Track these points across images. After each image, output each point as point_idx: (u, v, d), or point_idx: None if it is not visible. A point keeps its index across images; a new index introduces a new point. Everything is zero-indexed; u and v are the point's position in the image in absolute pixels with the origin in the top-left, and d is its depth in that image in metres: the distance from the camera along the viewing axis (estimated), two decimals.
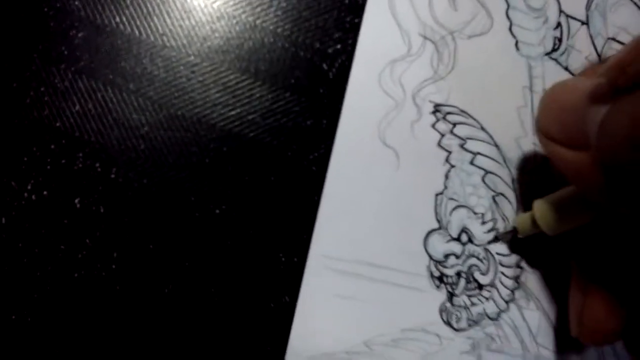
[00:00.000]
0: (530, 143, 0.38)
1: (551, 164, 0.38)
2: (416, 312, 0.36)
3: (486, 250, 0.37)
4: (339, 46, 0.37)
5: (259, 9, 0.36)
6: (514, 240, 0.37)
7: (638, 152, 0.23)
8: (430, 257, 0.37)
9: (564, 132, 0.28)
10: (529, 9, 0.39)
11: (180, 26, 0.36)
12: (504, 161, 0.38)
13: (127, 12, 0.35)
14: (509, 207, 0.38)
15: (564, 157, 0.28)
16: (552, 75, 0.39)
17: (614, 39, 0.40)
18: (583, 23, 0.40)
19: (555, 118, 0.29)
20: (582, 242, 0.34)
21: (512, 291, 0.37)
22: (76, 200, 0.34)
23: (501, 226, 0.38)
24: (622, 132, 0.24)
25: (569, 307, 0.35)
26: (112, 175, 0.34)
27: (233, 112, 0.35)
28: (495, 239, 0.37)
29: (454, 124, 0.37)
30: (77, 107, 0.34)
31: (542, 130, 0.30)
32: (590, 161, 0.26)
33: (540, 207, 0.33)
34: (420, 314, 0.36)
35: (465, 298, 0.37)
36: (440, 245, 0.37)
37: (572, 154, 0.27)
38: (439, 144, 0.37)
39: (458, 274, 0.37)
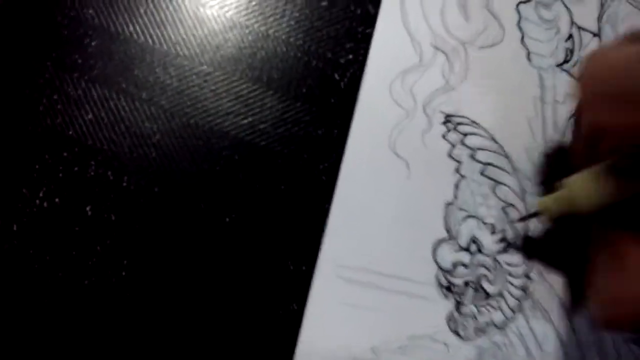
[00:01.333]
0: (540, 154, 0.38)
1: (574, 151, 0.35)
2: (424, 320, 0.36)
3: (495, 260, 0.37)
4: (350, 56, 0.37)
5: (271, 19, 0.36)
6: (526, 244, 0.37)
7: None
8: (439, 267, 0.37)
9: (617, 94, 0.27)
10: (540, 20, 0.39)
11: (193, 35, 0.36)
12: (515, 172, 0.38)
13: (140, 21, 0.35)
14: None
15: (616, 120, 0.27)
16: (563, 86, 0.39)
17: None
18: (595, 35, 0.40)
19: (602, 77, 0.27)
20: (616, 215, 0.31)
21: (520, 301, 0.37)
22: (88, 208, 0.34)
23: (510, 237, 0.37)
24: None
25: (591, 289, 0.32)
26: (124, 183, 0.35)
27: (245, 121, 0.36)
28: (517, 221, 0.37)
29: (465, 135, 0.37)
30: (90, 115, 0.35)
31: (588, 90, 0.28)
32: None
33: (577, 181, 0.32)
34: (427, 322, 0.36)
35: (472, 307, 0.37)
36: (449, 255, 0.37)
37: (621, 113, 0.26)
38: (450, 155, 0.37)
39: (466, 284, 0.37)
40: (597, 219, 0.32)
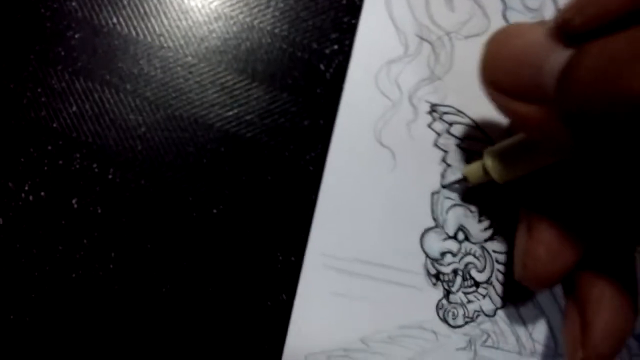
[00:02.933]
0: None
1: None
2: (413, 309, 0.36)
3: (483, 248, 0.37)
4: (336, 47, 0.37)
5: (256, 10, 0.36)
6: (465, 191, 0.38)
7: (608, 103, 0.21)
8: (427, 255, 0.37)
9: (515, 83, 0.26)
10: (525, 9, 0.39)
11: (178, 27, 0.36)
12: None
13: (124, 12, 0.35)
14: None
15: (515, 110, 0.26)
16: None
17: None
18: None
19: (504, 68, 0.27)
20: (530, 187, 0.33)
21: (508, 288, 0.38)
22: (74, 201, 0.34)
23: (497, 224, 0.38)
24: (591, 82, 0.22)
25: (514, 252, 0.34)
26: (110, 176, 0.34)
27: (230, 113, 0.36)
28: (444, 187, 0.37)
29: (451, 124, 0.37)
30: (74, 108, 0.34)
31: (488, 81, 0.28)
32: (547, 112, 0.25)
33: (490, 154, 0.33)
34: (416, 311, 0.36)
35: (461, 295, 0.37)
36: (436, 244, 0.37)
37: (525, 106, 0.26)
38: (436, 144, 0.37)
39: (454, 272, 0.37)
40: (517, 189, 0.34)
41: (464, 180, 0.36)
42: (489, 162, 0.33)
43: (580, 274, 0.32)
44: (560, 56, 0.24)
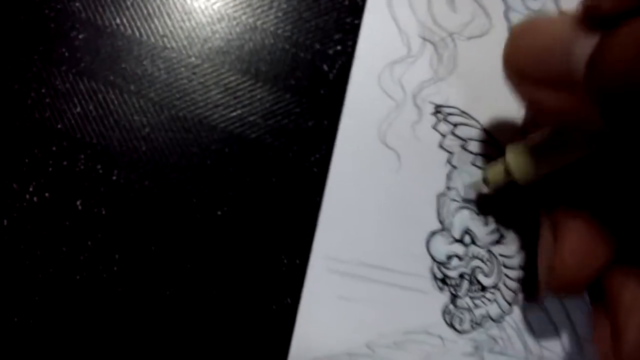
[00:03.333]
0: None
1: (525, 119, 0.36)
2: (419, 314, 0.36)
3: (489, 252, 0.37)
4: (339, 47, 0.37)
5: (259, 11, 0.36)
6: (484, 200, 0.37)
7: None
8: (433, 259, 0.36)
9: (543, 72, 0.26)
10: (527, 10, 0.39)
11: (181, 28, 0.36)
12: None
13: (127, 13, 0.35)
14: None
15: (543, 99, 0.26)
16: None
17: None
18: None
19: (530, 56, 0.26)
20: (551, 190, 0.32)
21: (516, 293, 0.37)
22: (78, 202, 0.34)
23: (504, 228, 0.37)
24: (625, 63, 0.21)
25: (538, 259, 0.33)
26: (114, 177, 0.34)
27: (234, 114, 0.36)
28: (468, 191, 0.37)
29: (455, 125, 0.37)
30: (78, 108, 0.35)
31: (514, 70, 0.27)
32: (577, 99, 0.24)
33: (513, 153, 0.32)
34: (422, 315, 0.36)
35: (468, 300, 0.37)
36: (442, 247, 0.37)
37: (554, 95, 0.25)
38: (441, 145, 0.37)
39: (461, 276, 0.37)
40: (538, 191, 0.34)
41: (484, 182, 0.35)
42: (512, 161, 0.32)
43: (609, 276, 0.31)
44: (588, 41, 0.23)
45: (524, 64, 0.27)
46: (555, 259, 0.31)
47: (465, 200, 0.37)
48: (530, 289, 0.37)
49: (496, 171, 0.33)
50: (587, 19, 0.24)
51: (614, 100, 0.23)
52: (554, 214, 0.32)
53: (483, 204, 0.37)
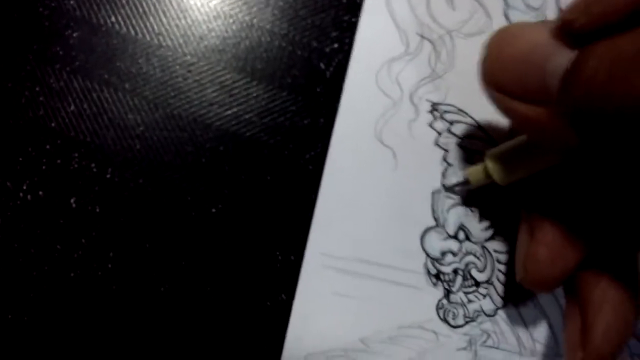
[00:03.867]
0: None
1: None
2: (413, 309, 0.36)
3: (483, 247, 0.37)
4: (336, 45, 0.37)
5: (255, 8, 0.36)
6: (466, 193, 0.38)
7: (614, 103, 0.21)
8: (428, 255, 0.37)
9: (517, 84, 0.26)
10: (527, 8, 0.39)
11: (177, 25, 0.35)
12: None
13: (122, 11, 0.35)
14: None
15: (518, 111, 0.26)
16: None
17: None
18: None
19: (506, 69, 0.26)
20: (531, 189, 0.33)
21: (509, 288, 0.37)
22: (72, 200, 0.34)
23: (498, 224, 0.37)
24: (597, 83, 0.22)
25: (516, 254, 0.34)
26: (108, 175, 0.34)
27: (229, 112, 0.35)
28: (447, 190, 0.37)
29: (451, 123, 0.37)
30: (73, 107, 0.34)
31: (490, 82, 0.27)
32: (551, 113, 0.24)
33: (491, 157, 0.33)
34: (417, 311, 0.36)
35: (462, 295, 0.37)
36: (437, 243, 0.37)
37: (527, 107, 0.25)
38: (436, 143, 0.37)
39: (455, 272, 0.37)
40: (518, 192, 0.35)
41: (465, 182, 0.36)
42: (490, 164, 0.33)
43: (582, 275, 0.32)
44: (564, 57, 0.24)
45: (499, 76, 0.27)
46: (528, 257, 0.32)
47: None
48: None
49: (476, 172, 0.35)
50: (563, 34, 0.24)
51: (585, 117, 0.23)
52: (532, 214, 0.33)
53: (472, 200, 0.37)
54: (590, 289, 0.32)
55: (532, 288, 0.33)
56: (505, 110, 0.28)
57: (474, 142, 0.37)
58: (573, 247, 0.31)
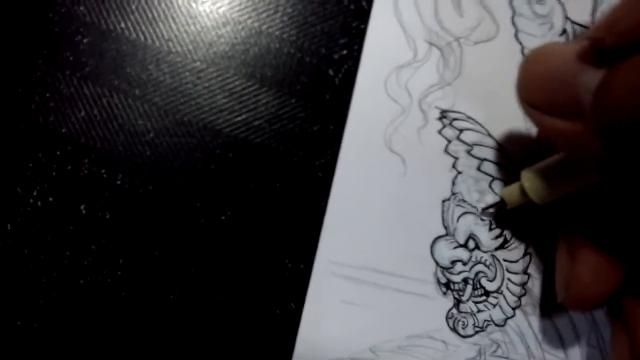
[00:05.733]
0: (536, 148, 0.38)
1: (539, 135, 0.37)
2: (422, 318, 0.36)
3: (493, 256, 0.37)
4: (344, 52, 0.37)
5: (264, 15, 0.36)
6: (501, 213, 0.38)
7: None
8: (437, 264, 0.36)
9: (551, 100, 0.27)
10: (534, 15, 0.39)
11: (186, 32, 0.36)
12: (511, 167, 0.38)
13: (132, 17, 0.35)
14: None
15: (553, 127, 0.27)
16: None
17: None
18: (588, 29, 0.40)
19: (539, 86, 0.28)
20: (569, 208, 0.33)
21: (519, 297, 0.37)
22: (82, 207, 0.34)
23: (508, 233, 0.37)
24: (626, 99, 0.22)
25: (556, 273, 0.34)
26: (118, 182, 0.34)
27: (239, 118, 0.35)
28: (482, 211, 0.37)
29: (461, 130, 0.37)
30: (83, 113, 0.34)
31: (525, 99, 0.29)
32: (584, 129, 0.25)
33: (528, 175, 0.33)
34: (426, 320, 0.36)
35: (471, 304, 0.37)
36: (447, 252, 0.37)
37: (562, 123, 0.26)
38: (446, 150, 0.37)
39: (465, 281, 0.37)
40: (556, 214, 0.35)
41: (500, 202, 0.36)
42: (527, 183, 0.33)
43: (626, 293, 0.32)
44: (595, 73, 0.24)
45: (533, 91, 0.28)
46: (571, 278, 0.32)
47: (471, 205, 0.37)
48: (534, 293, 0.37)
49: (512, 192, 0.35)
50: (593, 51, 0.25)
51: (615, 132, 0.24)
52: (571, 233, 0.33)
53: (505, 220, 0.38)
54: (634, 306, 0.32)
55: (574, 308, 0.34)
56: (539, 125, 0.28)
57: (484, 150, 0.37)
58: (615, 266, 0.31)
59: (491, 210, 0.37)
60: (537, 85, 0.28)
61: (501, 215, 0.37)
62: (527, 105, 0.28)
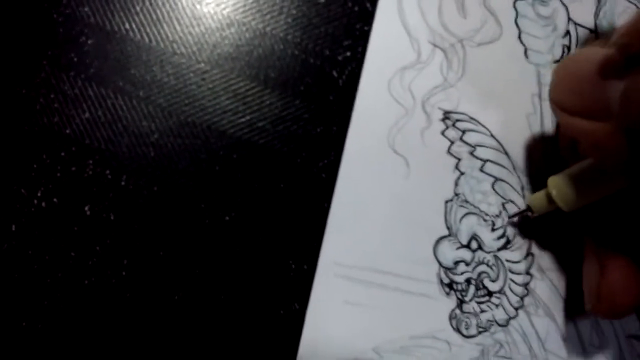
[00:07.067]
0: (539, 150, 0.38)
1: (560, 146, 0.37)
2: (426, 319, 0.36)
3: (496, 257, 0.37)
4: (348, 53, 0.37)
5: (268, 16, 0.36)
6: (525, 222, 0.38)
7: None
8: (440, 264, 0.36)
9: (581, 104, 0.28)
10: (538, 17, 0.39)
11: (190, 33, 0.36)
12: (514, 168, 0.38)
13: (136, 19, 0.35)
14: None
15: (582, 129, 0.28)
16: None
17: None
18: (591, 31, 0.40)
19: (570, 89, 0.28)
20: (597, 216, 0.34)
21: (522, 298, 0.37)
22: (86, 208, 0.34)
23: (510, 233, 0.37)
24: None
25: (584, 282, 0.35)
26: (122, 183, 0.34)
27: (243, 119, 0.35)
28: (509, 220, 0.37)
29: (464, 131, 0.37)
30: (87, 114, 0.34)
31: (557, 102, 0.29)
32: (612, 131, 0.26)
33: (556, 182, 0.33)
34: (429, 320, 0.36)
35: (474, 305, 0.37)
36: (450, 252, 0.37)
37: (591, 125, 0.27)
38: (449, 151, 0.37)
39: (468, 281, 0.37)
40: (583, 222, 0.35)
41: (527, 210, 0.36)
42: (554, 190, 0.33)
43: None
44: (622, 77, 0.25)
45: (564, 95, 0.29)
46: (602, 286, 0.33)
47: (473, 206, 0.37)
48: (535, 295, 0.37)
49: (539, 199, 0.35)
50: (621, 56, 0.26)
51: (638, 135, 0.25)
52: (599, 242, 0.34)
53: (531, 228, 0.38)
54: None
55: (605, 316, 0.35)
56: (570, 127, 0.29)
57: (486, 150, 0.37)
58: None
59: (515, 219, 0.37)
60: (568, 89, 0.29)
61: (524, 224, 0.38)
62: (558, 107, 0.29)
